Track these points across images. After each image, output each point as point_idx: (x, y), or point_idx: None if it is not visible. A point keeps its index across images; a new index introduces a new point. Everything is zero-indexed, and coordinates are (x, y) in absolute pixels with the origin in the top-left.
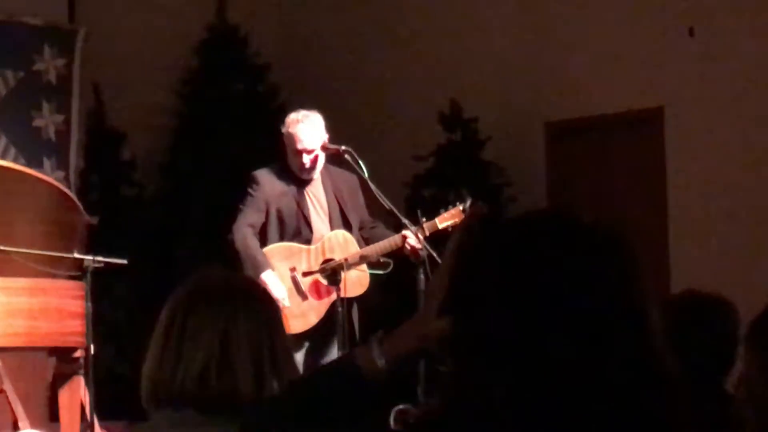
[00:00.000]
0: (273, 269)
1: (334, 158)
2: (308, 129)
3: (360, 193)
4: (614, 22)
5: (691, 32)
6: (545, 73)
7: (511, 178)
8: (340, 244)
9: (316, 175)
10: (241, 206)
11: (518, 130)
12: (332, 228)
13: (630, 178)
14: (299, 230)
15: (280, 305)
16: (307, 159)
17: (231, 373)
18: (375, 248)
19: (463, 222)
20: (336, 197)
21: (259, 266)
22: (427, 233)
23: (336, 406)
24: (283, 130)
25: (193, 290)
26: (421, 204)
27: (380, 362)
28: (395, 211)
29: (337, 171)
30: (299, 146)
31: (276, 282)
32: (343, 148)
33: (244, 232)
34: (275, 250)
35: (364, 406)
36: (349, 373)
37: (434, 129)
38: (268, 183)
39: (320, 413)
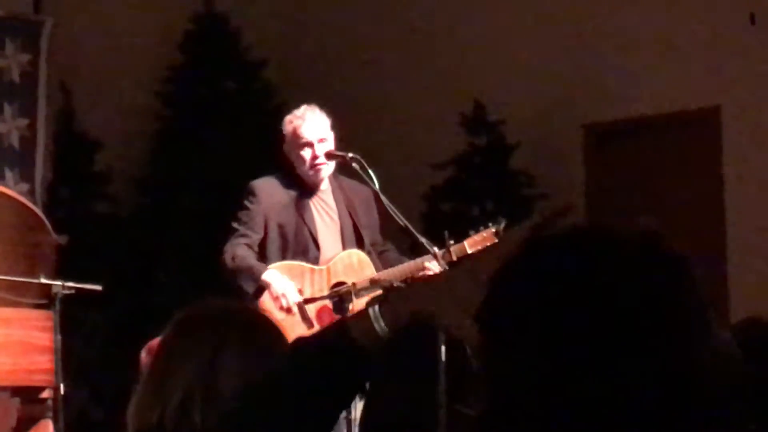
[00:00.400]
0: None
1: (341, 168)
2: (312, 119)
3: (374, 209)
4: (663, 11)
5: (752, 19)
6: (583, 69)
7: (544, 189)
8: (353, 266)
9: (325, 185)
10: (234, 223)
11: (552, 134)
12: (344, 247)
13: (681, 186)
14: (305, 248)
15: (289, 302)
16: (320, 150)
17: (216, 406)
18: (392, 273)
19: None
20: (349, 211)
21: (255, 270)
22: (454, 258)
23: (331, 388)
24: (284, 129)
25: (182, 318)
26: (439, 220)
27: (380, 327)
28: (411, 228)
29: (348, 182)
30: (306, 137)
31: (279, 278)
32: (350, 155)
33: (234, 248)
34: (278, 269)
35: (362, 383)
36: (342, 347)
37: (455, 133)
38: (266, 194)
39: (312, 398)
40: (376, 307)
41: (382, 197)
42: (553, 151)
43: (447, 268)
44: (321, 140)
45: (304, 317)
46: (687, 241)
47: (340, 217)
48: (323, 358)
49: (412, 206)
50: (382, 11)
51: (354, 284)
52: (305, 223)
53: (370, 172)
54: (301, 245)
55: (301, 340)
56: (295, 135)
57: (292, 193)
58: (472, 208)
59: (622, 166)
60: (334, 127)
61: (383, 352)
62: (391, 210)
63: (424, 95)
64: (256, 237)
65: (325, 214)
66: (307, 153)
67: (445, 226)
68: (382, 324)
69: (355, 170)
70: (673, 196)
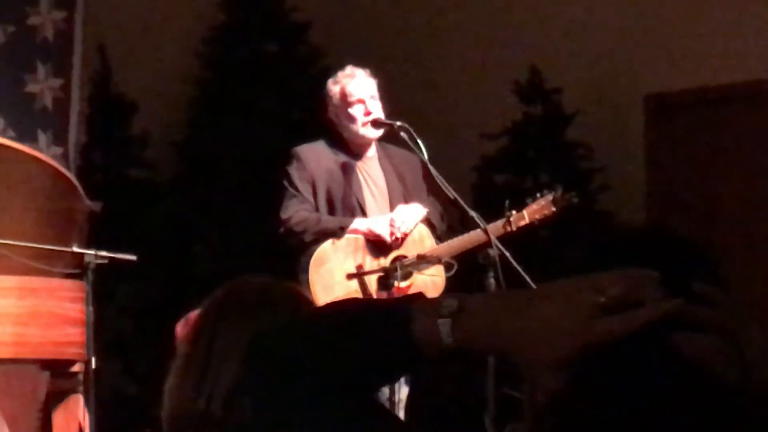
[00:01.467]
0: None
1: (388, 137)
2: (362, 75)
3: (421, 176)
4: None
5: None
6: (645, 35)
7: (603, 162)
8: (414, 238)
9: (371, 152)
10: (288, 186)
11: (611, 104)
12: None
13: (750, 163)
14: (352, 215)
15: (397, 232)
16: (374, 106)
17: None
18: (440, 249)
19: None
20: (398, 179)
21: (338, 221)
22: (515, 228)
23: (362, 367)
24: (330, 90)
25: (225, 298)
26: (491, 193)
27: (447, 340)
28: (460, 201)
29: (395, 149)
30: (357, 94)
31: (371, 222)
32: (398, 123)
33: (297, 210)
34: (338, 244)
35: (394, 378)
36: (393, 337)
37: (509, 101)
38: (312, 160)
39: (340, 366)
40: (449, 320)
41: (431, 168)
42: (613, 122)
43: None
44: (372, 97)
45: (366, 294)
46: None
47: (388, 185)
48: (369, 330)
49: (463, 178)
50: None
51: (413, 257)
52: (352, 189)
53: (419, 141)
54: (348, 212)
55: (356, 305)
56: (345, 93)
57: (339, 159)
58: (526, 180)
59: (686, 140)
60: (381, 93)
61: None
62: (440, 182)
63: (476, 60)
64: (311, 202)
65: (371, 181)
66: (358, 110)
67: (497, 198)
68: (451, 339)
69: (403, 139)
70: (739, 174)
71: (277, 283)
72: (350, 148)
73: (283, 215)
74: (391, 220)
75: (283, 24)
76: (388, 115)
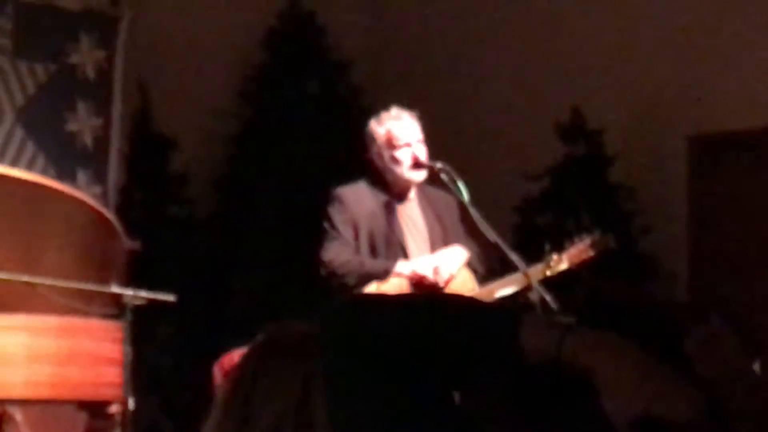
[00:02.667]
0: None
1: (428, 179)
2: (408, 118)
3: (458, 217)
4: None
5: None
6: (688, 75)
7: (645, 204)
8: (457, 282)
9: (412, 194)
10: (329, 228)
11: (654, 145)
12: None
13: None
14: (395, 258)
15: (444, 273)
16: (420, 150)
17: None
18: (492, 288)
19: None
20: (437, 221)
21: (382, 265)
22: (554, 272)
23: (461, 368)
24: (373, 132)
25: (267, 341)
26: (533, 234)
27: (553, 349)
28: (501, 243)
29: (432, 191)
30: (405, 138)
31: (415, 264)
32: (439, 165)
33: (339, 252)
34: (383, 287)
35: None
36: (500, 334)
37: (551, 142)
38: (354, 201)
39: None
40: (559, 332)
41: (472, 210)
42: (655, 164)
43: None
44: (419, 140)
45: None
46: None
47: (428, 227)
48: (485, 334)
49: (504, 219)
50: (477, 12)
51: None
52: (394, 232)
53: (459, 183)
54: (390, 254)
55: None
56: (391, 136)
57: (380, 201)
58: (568, 222)
59: (729, 182)
60: (423, 133)
61: None
62: (480, 223)
63: (518, 101)
64: (352, 243)
65: (411, 223)
66: (405, 153)
67: (538, 240)
68: (557, 349)
69: (443, 181)
70: None
71: (317, 328)
72: (392, 189)
73: (325, 257)
74: (434, 262)
75: (325, 63)
76: (429, 156)
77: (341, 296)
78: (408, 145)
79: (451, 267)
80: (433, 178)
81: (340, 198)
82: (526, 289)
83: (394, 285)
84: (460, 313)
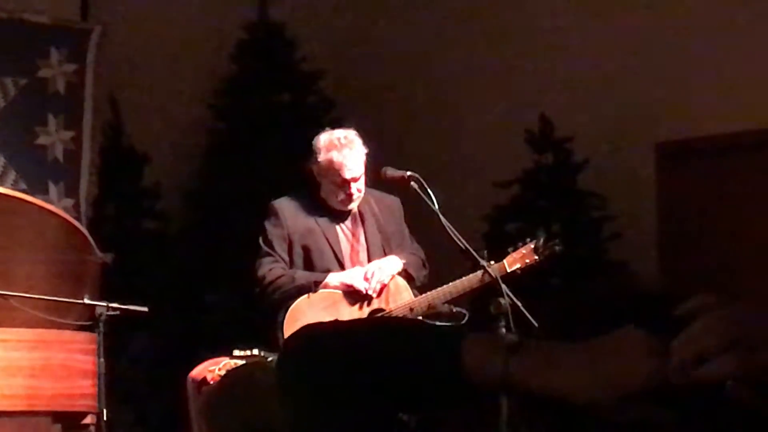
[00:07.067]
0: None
1: (397, 186)
2: (355, 153)
3: (404, 221)
4: (744, 20)
5: None
6: (655, 85)
7: (614, 210)
8: (390, 291)
9: (356, 206)
10: (263, 244)
11: (623, 153)
12: None
13: (763, 210)
14: (330, 272)
15: (365, 289)
16: (355, 188)
17: None
18: (431, 297)
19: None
20: (378, 230)
21: (312, 277)
22: (494, 276)
23: (403, 388)
24: (320, 157)
25: (214, 392)
26: (503, 241)
27: (499, 373)
28: (471, 251)
29: (377, 195)
30: (348, 176)
31: (345, 275)
32: (409, 173)
33: (271, 268)
34: (313, 298)
35: (434, 404)
36: (441, 364)
37: (520, 150)
38: (289, 214)
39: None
40: (505, 354)
41: (442, 219)
42: (624, 171)
43: (509, 294)
44: (359, 178)
45: None
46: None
47: (367, 238)
48: (415, 352)
49: (475, 228)
50: (446, 23)
51: (390, 311)
52: (331, 246)
53: (430, 192)
54: (326, 267)
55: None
56: (335, 169)
57: (318, 216)
58: (537, 230)
59: (698, 188)
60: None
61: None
62: (451, 232)
63: (487, 110)
64: (283, 261)
65: (351, 236)
66: (345, 190)
67: (509, 247)
68: (503, 372)
69: (413, 189)
70: (751, 220)
71: (263, 367)
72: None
73: (257, 274)
74: (366, 272)
75: (295, 74)
76: (400, 164)
77: (297, 332)
78: (350, 181)
79: (383, 276)
80: (403, 186)
81: (276, 211)
82: (489, 291)
83: (326, 295)
84: (401, 337)
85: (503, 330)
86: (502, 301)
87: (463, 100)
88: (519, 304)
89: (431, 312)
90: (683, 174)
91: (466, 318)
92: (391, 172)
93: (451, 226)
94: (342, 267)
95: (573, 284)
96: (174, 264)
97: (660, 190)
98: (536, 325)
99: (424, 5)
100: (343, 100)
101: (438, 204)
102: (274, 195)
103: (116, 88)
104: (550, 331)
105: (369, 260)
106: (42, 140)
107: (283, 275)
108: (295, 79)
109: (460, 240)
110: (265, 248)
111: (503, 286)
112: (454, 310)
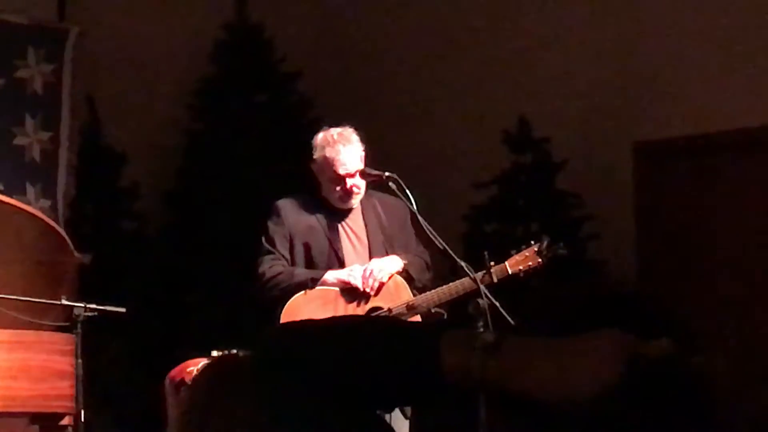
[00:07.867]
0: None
1: (375, 186)
2: (349, 152)
3: (409, 224)
4: (722, 21)
5: None
6: (633, 85)
7: (593, 211)
8: (389, 289)
9: (356, 203)
10: (265, 242)
11: (600, 153)
12: None
13: (740, 211)
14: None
15: (362, 286)
16: (351, 183)
17: None
18: (429, 297)
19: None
20: (380, 230)
21: (310, 273)
22: (495, 279)
23: (380, 387)
24: (315, 154)
25: (209, 380)
26: (481, 242)
27: (477, 374)
28: (449, 251)
29: (383, 197)
30: (342, 171)
31: (343, 272)
32: (387, 174)
33: (271, 266)
34: (310, 295)
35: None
36: (417, 364)
37: (498, 151)
38: (291, 214)
39: (356, 383)
40: (482, 353)
41: (420, 218)
42: (602, 171)
43: (487, 294)
44: (356, 173)
45: None
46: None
47: (369, 237)
48: (391, 351)
49: (453, 227)
50: (423, 24)
51: (389, 309)
52: (332, 245)
53: (408, 191)
54: (327, 266)
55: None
56: (329, 164)
57: (319, 214)
58: (516, 229)
59: (675, 188)
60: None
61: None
62: (429, 232)
63: (465, 110)
64: (285, 259)
65: (353, 234)
66: (341, 186)
67: (487, 247)
68: (481, 373)
69: (390, 189)
70: (730, 223)
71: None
72: (333, 203)
73: (257, 271)
74: (365, 270)
75: (273, 74)
76: (378, 165)
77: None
78: (345, 177)
79: (381, 275)
80: (382, 186)
81: (278, 211)
82: (475, 294)
83: (323, 292)
84: (378, 336)
85: (481, 329)
86: (480, 301)
87: (441, 101)
88: (497, 304)
89: (410, 312)
90: (661, 174)
91: (444, 317)
92: (368, 171)
93: (429, 227)
94: (342, 265)
95: (551, 284)
96: (152, 264)
97: (638, 190)
98: (514, 324)
99: (402, 6)
100: (322, 101)
101: (416, 204)
102: (252, 195)
103: (94, 88)
104: (528, 331)
105: (370, 259)
106: (19, 141)
107: (282, 272)
108: (273, 80)
109: (438, 240)
110: (267, 246)
111: (482, 286)
112: (433, 310)
